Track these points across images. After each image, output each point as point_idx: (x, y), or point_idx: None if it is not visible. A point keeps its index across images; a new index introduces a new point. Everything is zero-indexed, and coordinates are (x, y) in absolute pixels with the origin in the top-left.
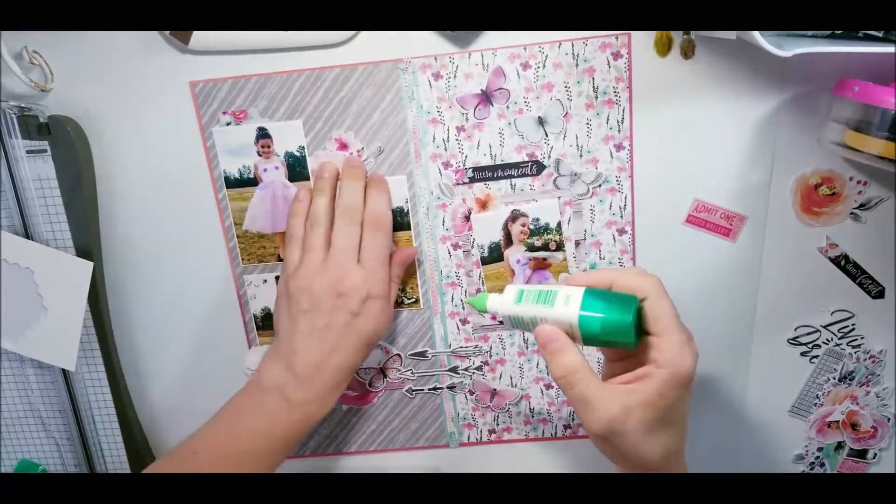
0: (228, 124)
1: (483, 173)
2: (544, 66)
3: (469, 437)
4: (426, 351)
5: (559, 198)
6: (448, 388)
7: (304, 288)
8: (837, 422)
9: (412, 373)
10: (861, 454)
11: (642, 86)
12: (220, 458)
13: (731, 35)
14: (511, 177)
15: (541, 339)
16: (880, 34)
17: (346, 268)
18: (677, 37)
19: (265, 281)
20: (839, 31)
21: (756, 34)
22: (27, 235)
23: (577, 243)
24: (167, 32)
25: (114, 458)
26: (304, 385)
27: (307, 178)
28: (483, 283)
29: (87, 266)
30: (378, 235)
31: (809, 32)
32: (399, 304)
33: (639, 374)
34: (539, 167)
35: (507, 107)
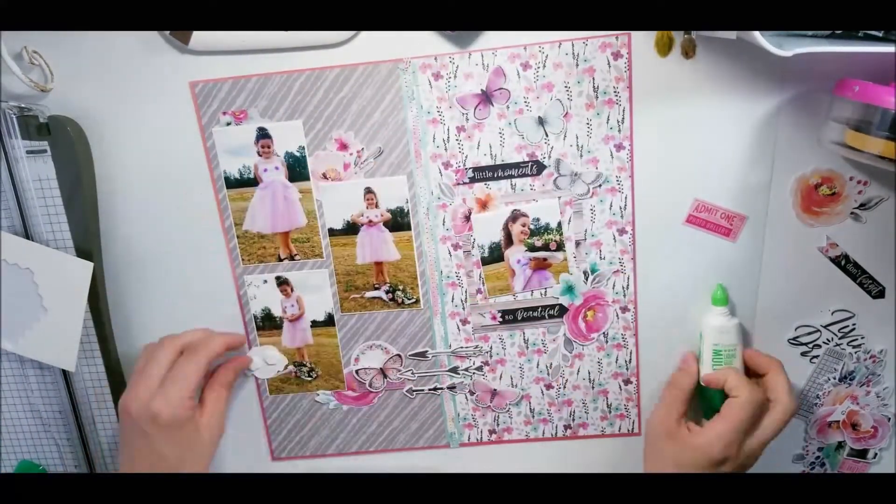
0: (228, 124)
1: (483, 173)
2: (544, 66)
3: (469, 438)
4: (426, 351)
5: (559, 198)
6: (448, 388)
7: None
8: (838, 422)
9: (412, 373)
10: (861, 454)
11: (642, 86)
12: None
13: (732, 35)
14: (511, 177)
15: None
16: (880, 34)
17: (139, 388)
18: (678, 37)
19: (265, 281)
20: (839, 31)
21: (756, 34)
22: (27, 235)
23: (578, 243)
24: (167, 32)
25: (114, 458)
26: None
27: (307, 178)
28: (483, 283)
29: (87, 266)
30: (185, 361)
31: (809, 32)
32: (399, 304)
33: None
34: (539, 167)
35: (508, 107)
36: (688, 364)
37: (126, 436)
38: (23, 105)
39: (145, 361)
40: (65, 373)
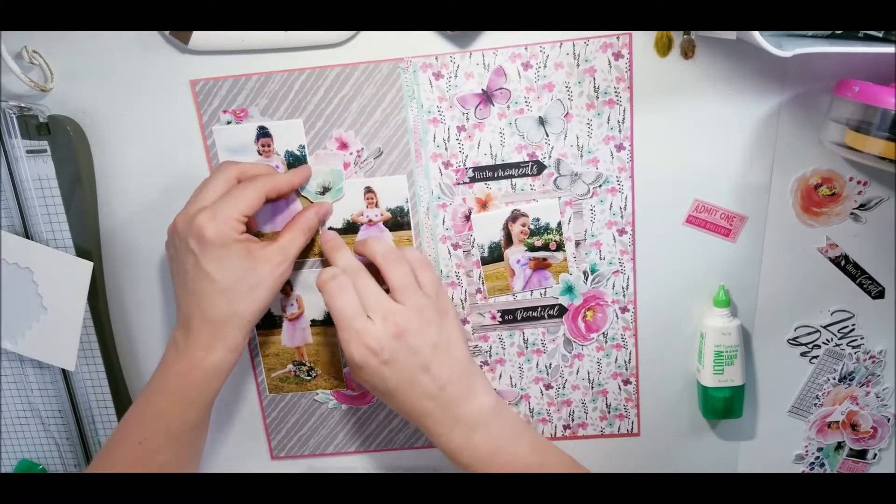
0: (229, 123)
1: (483, 173)
2: (545, 66)
3: None
4: None
5: (559, 198)
6: None
7: (170, 233)
8: (837, 422)
9: None
10: (861, 454)
11: (642, 86)
12: (145, 431)
13: (732, 35)
14: (511, 177)
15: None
16: (880, 34)
17: (189, 207)
18: (678, 37)
19: None
20: (839, 31)
21: (756, 34)
22: (27, 235)
23: (578, 243)
24: (167, 32)
25: None
26: (184, 331)
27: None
28: (483, 282)
29: (87, 266)
30: (244, 185)
31: (809, 32)
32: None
33: None
34: (539, 167)
35: (508, 106)
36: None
37: (175, 256)
38: (23, 105)
39: (202, 184)
40: (65, 373)
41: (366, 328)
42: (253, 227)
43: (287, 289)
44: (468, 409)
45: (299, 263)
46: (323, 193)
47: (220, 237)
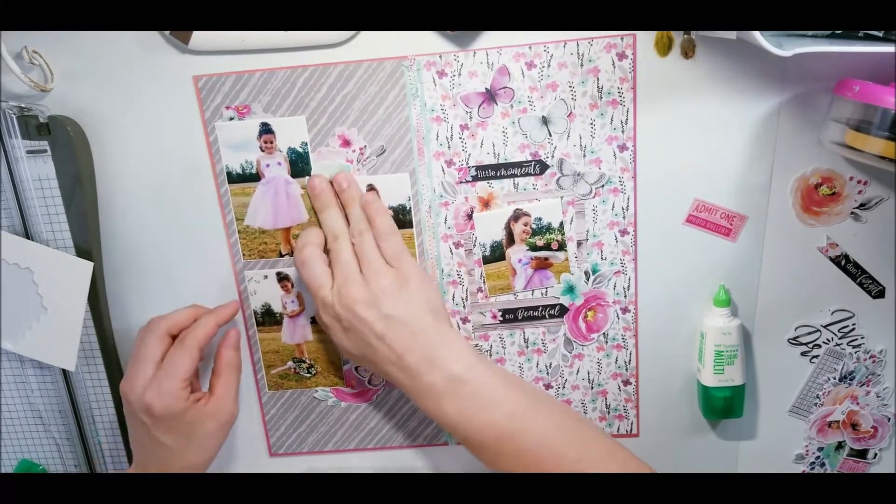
0: (231, 119)
1: (486, 172)
2: (549, 66)
3: None
4: None
5: (562, 197)
6: None
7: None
8: (838, 422)
9: None
10: (861, 454)
11: (644, 86)
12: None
13: (732, 35)
14: (514, 176)
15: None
16: (880, 34)
17: (134, 376)
18: (678, 37)
19: (266, 277)
20: (839, 31)
21: (756, 34)
22: (27, 235)
23: (579, 243)
24: (167, 32)
25: (114, 458)
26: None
27: (309, 174)
28: (484, 281)
29: (87, 266)
30: (176, 351)
31: (809, 32)
32: None
33: None
34: (542, 167)
35: (511, 106)
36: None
37: (129, 420)
38: (23, 105)
39: (138, 346)
40: (65, 373)
41: (327, 299)
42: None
43: (287, 286)
44: (432, 379)
45: None
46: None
47: (168, 411)
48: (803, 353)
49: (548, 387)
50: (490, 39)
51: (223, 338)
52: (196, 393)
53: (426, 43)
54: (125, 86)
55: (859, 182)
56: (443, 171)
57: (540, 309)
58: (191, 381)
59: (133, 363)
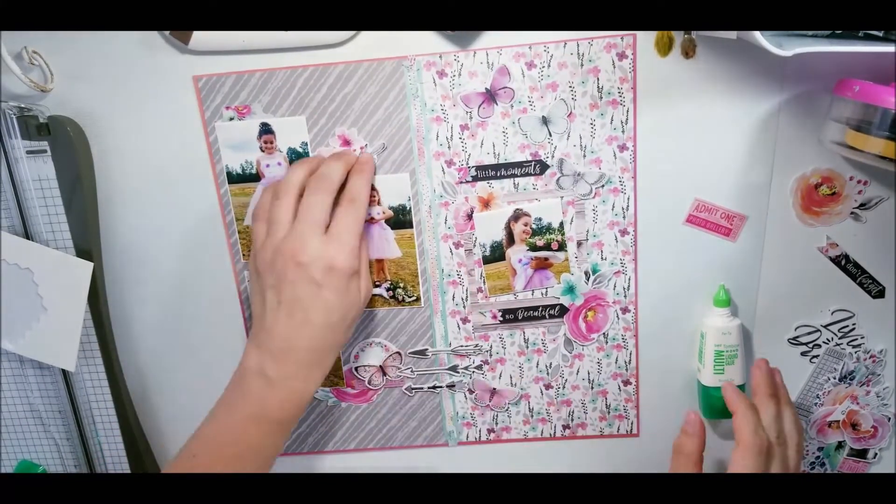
0: (231, 119)
1: (486, 172)
2: (549, 66)
3: (468, 436)
4: (426, 349)
5: (562, 198)
6: (447, 386)
7: (269, 262)
8: (838, 421)
9: (412, 371)
10: (861, 454)
11: (644, 86)
12: (220, 457)
13: (732, 35)
14: (514, 176)
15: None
16: (880, 34)
17: (307, 236)
18: (678, 36)
19: None
20: (839, 31)
21: (756, 34)
22: (27, 235)
23: (579, 243)
24: (167, 32)
25: (114, 458)
26: (280, 362)
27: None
28: (484, 281)
29: (87, 266)
30: (352, 209)
31: (810, 32)
32: (400, 301)
33: None
34: (542, 167)
35: (512, 106)
36: (693, 427)
37: (287, 287)
38: (23, 105)
39: (280, 207)
40: (65, 373)
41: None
42: None
43: None
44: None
45: None
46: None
47: (350, 268)
48: (803, 353)
49: (548, 387)
50: (490, 39)
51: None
52: None
53: (426, 43)
54: (125, 86)
55: (859, 182)
56: (443, 171)
57: (540, 309)
58: None
59: (295, 221)
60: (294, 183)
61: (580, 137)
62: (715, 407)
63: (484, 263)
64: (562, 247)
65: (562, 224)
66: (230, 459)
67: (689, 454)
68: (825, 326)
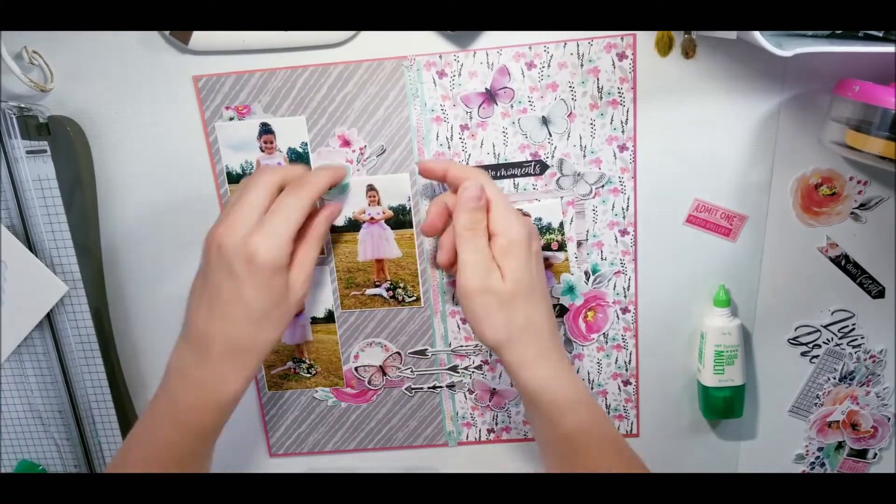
0: (231, 119)
1: (486, 172)
2: (549, 66)
3: (468, 437)
4: (426, 349)
5: (562, 198)
6: (447, 386)
7: (203, 246)
8: (838, 422)
9: (412, 371)
10: (861, 454)
11: (644, 86)
12: (147, 460)
13: (732, 35)
14: (514, 176)
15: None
16: (880, 34)
17: (236, 223)
18: (678, 36)
19: None
20: (839, 31)
21: (756, 34)
22: (27, 235)
23: (579, 243)
24: (167, 32)
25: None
26: (197, 357)
27: None
28: None
29: (60, 288)
30: (292, 196)
31: (810, 32)
32: (400, 302)
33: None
34: (542, 167)
35: (512, 106)
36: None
37: (210, 275)
38: (23, 105)
39: (241, 193)
40: (65, 373)
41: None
42: None
43: None
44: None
45: None
46: (329, 189)
47: (274, 263)
48: (803, 353)
49: None
50: (490, 39)
51: (326, 207)
52: None
53: (426, 43)
54: (125, 86)
55: (859, 182)
56: None
57: None
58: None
59: (232, 210)
60: (264, 180)
61: (580, 137)
62: (715, 407)
63: None
64: (562, 247)
65: (562, 224)
66: (156, 466)
67: (440, 203)
68: (825, 326)
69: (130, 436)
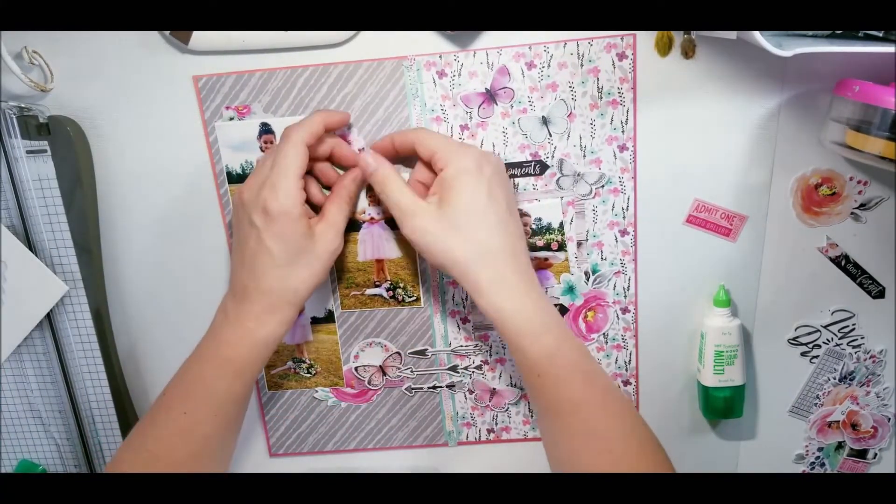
0: (231, 119)
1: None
2: (549, 66)
3: (468, 436)
4: (426, 349)
5: (562, 198)
6: (447, 386)
7: (234, 202)
8: (838, 422)
9: (412, 371)
10: (861, 454)
11: (644, 86)
12: (186, 399)
13: (732, 35)
14: (514, 176)
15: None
16: (880, 34)
17: (253, 177)
18: (678, 36)
19: None
20: (839, 31)
21: (756, 34)
22: (27, 235)
23: (579, 243)
24: (167, 32)
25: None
26: (237, 299)
27: (309, 173)
28: None
29: (60, 288)
30: (284, 144)
31: (810, 32)
32: (400, 302)
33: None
34: (542, 167)
35: (512, 106)
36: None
37: (238, 230)
38: (23, 105)
39: (275, 154)
40: (65, 373)
41: None
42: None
43: None
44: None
45: None
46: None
47: (283, 210)
48: (803, 354)
49: None
50: (490, 39)
51: (349, 170)
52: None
53: (426, 43)
54: (125, 86)
55: (859, 182)
56: None
57: None
58: (305, 190)
59: (254, 169)
60: (284, 136)
61: (580, 137)
62: (715, 407)
63: None
64: (562, 247)
65: (562, 224)
66: (192, 402)
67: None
68: (825, 327)
69: (175, 375)
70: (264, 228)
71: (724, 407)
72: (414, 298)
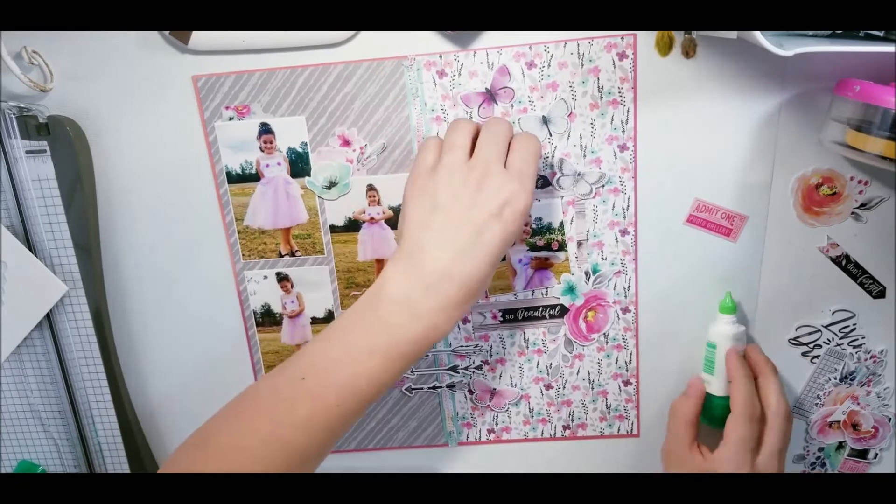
0: (231, 119)
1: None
2: (549, 66)
3: (468, 437)
4: None
5: (562, 197)
6: (447, 386)
7: (444, 181)
8: (838, 422)
9: (412, 371)
10: (862, 454)
11: (644, 86)
12: (331, 385)
13: (732, 35)
14: None
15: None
16: (880, 34)
17: (490, 168)
18: (679, 36)
19: (265, 277)
20: (839, 31)
21: (757, 34)
22: (27, 235)
23: (580, 243)
24: (167, 32)
25: (113, 458)
26: (429, 292)
27: (309, 174)
28: None
29: (60, 289)
30: (530, 148)
31: (810, 32)
32: None
33: None
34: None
35: (512, 106)
36: (694, 390)
37: (457, 215)
38: (22, 105)
39: (465, 131)
40: (65, 373)
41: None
42: None
43: (287, 286)
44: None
45: (301, 261)
46: (329, 188)
47: (527, 209)
48: (804, 354)
49: (548, 387)
50: (490, 39)
51: None
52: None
53: (426, 43)
54: (125, 86)
55: (860, 182)
56: None
57: (540, 309)
58: None
59: (466, 150)
60: (464, 128)
61: (580, 137)
62: (715, 414)
63: None
64: (562, 247)
65: (562, 224)
66: (340, 387)
67: (684, 415)
68: (826, 327)
69: (311, 359)
70: (505, 220)
71: (726, 416)
72: None
